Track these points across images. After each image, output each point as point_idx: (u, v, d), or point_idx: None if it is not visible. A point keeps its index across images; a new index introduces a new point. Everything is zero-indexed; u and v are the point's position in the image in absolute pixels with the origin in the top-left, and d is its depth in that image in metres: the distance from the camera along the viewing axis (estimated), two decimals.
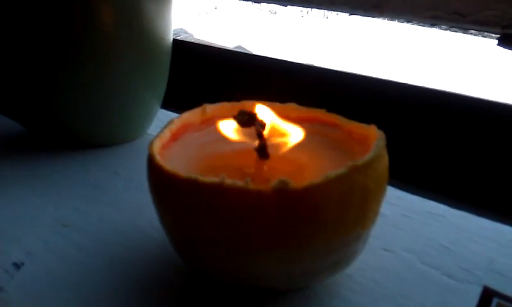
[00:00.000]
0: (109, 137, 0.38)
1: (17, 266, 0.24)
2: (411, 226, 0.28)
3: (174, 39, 0.39)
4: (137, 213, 0.29)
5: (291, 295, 0.22)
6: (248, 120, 0.22)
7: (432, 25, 0.33)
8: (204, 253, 0.20)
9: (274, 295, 0.22)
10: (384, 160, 0.21)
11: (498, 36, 0.30)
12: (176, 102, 0.45)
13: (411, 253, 0.26)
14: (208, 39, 0.52)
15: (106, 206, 0.30)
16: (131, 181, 0.33)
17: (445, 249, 0.26)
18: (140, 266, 0.24)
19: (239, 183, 0.18)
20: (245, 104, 0.26)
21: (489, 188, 0.35)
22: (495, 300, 0.21)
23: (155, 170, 0.21)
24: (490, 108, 0.35)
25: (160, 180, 0.20)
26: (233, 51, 0.51)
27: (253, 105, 0.26)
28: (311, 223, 0.18)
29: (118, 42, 0.34)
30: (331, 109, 0.26)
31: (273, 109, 0.26)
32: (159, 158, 0.21)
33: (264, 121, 0.22)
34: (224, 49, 0.51)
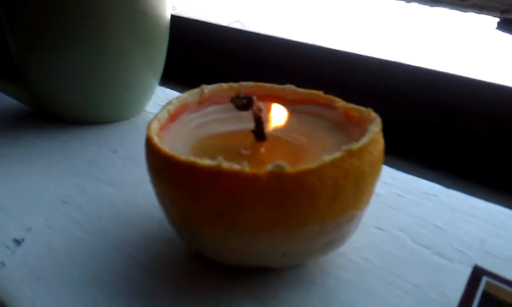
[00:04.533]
0: (108, 114, 0.38)
1: (18, 242, 0.25)
2: (404, 205, 0.28)
3: (172, 15, 0.39)
4: (135, 191, 0.29)
5: (284, 273, 0.23)
6: (245, 104, 0.22)
7: (432, 7, 0.33)
8: (201, 234, 0.20)
9: (267, 273, 0.23)
10: (380, 145, 0.21)
11: (497, 20, 0.30)
12: (174, 79, 0.45)
13: (404, 232, 0.26)
14: (206, 15, 0.52)
15: (105, 184, 0.30)
16: (129, 158, 0.33)
17: (437, 228, 0.26)
18: (139, 243, 0.25)
19: (236, 166, 0.18)
20: (243, 86, 0.26)
21: (483, 169, 0.36)
22: (484, 279, 0.22)
23: (153, 152, 0.21)
24: (486, 88, 0.35)
25: (158, 163, 0.20)
26: (231, 28, 0.50)
27: (251, 87, 0.26)
28: (306, 206, 0.19)
29: (115, 19, 0.34)
30: (328, 89, 0.26)
31: (270, 90, 0.27)
32: (156, 140, 0.21)
33: (261, 105, 0.22)
34: (223, 26, 0.51)
